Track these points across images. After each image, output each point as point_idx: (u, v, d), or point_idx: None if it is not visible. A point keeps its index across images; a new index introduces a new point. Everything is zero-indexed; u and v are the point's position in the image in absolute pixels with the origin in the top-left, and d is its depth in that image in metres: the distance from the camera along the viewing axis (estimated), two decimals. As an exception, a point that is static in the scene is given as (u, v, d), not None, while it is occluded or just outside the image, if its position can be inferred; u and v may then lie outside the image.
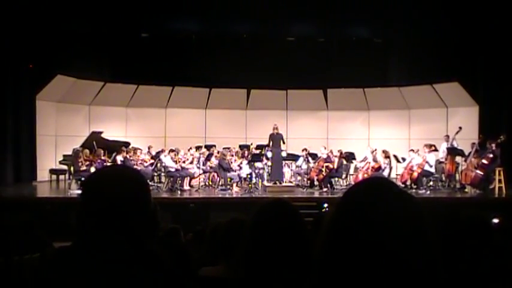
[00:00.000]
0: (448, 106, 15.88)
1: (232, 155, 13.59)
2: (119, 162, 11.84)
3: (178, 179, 12.42)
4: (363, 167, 12.96)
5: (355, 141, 16.27)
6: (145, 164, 12.74)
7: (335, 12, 14.58)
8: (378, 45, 15.93)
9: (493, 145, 11.39)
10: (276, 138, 12.91)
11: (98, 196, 1.33)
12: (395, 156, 13.47)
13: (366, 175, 12.17)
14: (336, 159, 12.83)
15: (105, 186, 1.34)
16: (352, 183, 9.45)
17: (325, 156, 12.92)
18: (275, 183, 12.59)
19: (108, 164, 11.78)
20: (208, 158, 13.34)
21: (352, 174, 13.97)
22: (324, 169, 12.64)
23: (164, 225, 4.88)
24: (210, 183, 13.63)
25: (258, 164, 12.96)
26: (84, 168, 11.72)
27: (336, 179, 13.37)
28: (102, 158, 12.07)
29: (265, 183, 12.83)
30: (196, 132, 16.67)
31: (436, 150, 12.71)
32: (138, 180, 1.40)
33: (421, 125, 16.28)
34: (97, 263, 1.25)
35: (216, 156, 13.32)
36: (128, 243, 1.28)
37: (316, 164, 13.04)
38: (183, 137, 15.95)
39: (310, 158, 13.47)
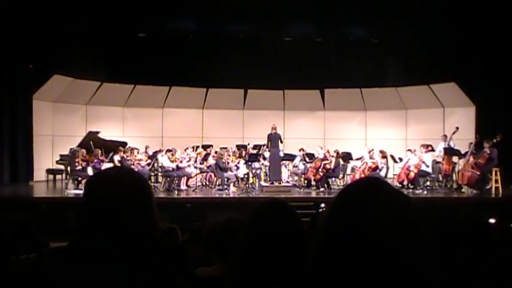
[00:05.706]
0: (445, 106, 15.91)
1: (230, 155, 13.59)
2: (116, 162, 11.81)
3: (175, 178, 12.40)
4: (359, 167, 12.96)
5: (352, 142, 16.29)
6: (142, 164, 12.72)
7: (332, 12, 14.58)
8: (375, 45, 15.94)
9: (489, 145, 11.41)
10: (274, 138, 12.91)
11: (98, 197, 1.34)
12: (392, 156, 13.49)
13: (362, 175, 12.17)
14: (333, 159, 12.83)
15: (106, 187, 1.35)
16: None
17: (322, 156, 12.93)
18: (272, 183, 12.59)
19: (106, 163, 11.77)
20: (205, 158, 13.34)
21: (349, 174, 13.99)
22: (321, 169, 12.65)
23: (161, 225, 4.87)
24: (207, 183, 13.62)
25: (255, 164, 12.97)
26: (80, 167, 11.70)
27: (333, 179, 13.37)
28: (99, 158, 12.04)
29: (262, 183, 12.84)
30: (193, 132, 16.65)
31: (432, 150, 12.72)
32: (139, 182, 1.41)
33: (418, 125, 16.31)
34: (93, 264, 1.25)
35: (213, 156, 13.32)
36: (124, 243, 1.29)
37: (313, 164, 13.04)
38: (180, 137, 15.92)
39: (307, 158, 13.47)
